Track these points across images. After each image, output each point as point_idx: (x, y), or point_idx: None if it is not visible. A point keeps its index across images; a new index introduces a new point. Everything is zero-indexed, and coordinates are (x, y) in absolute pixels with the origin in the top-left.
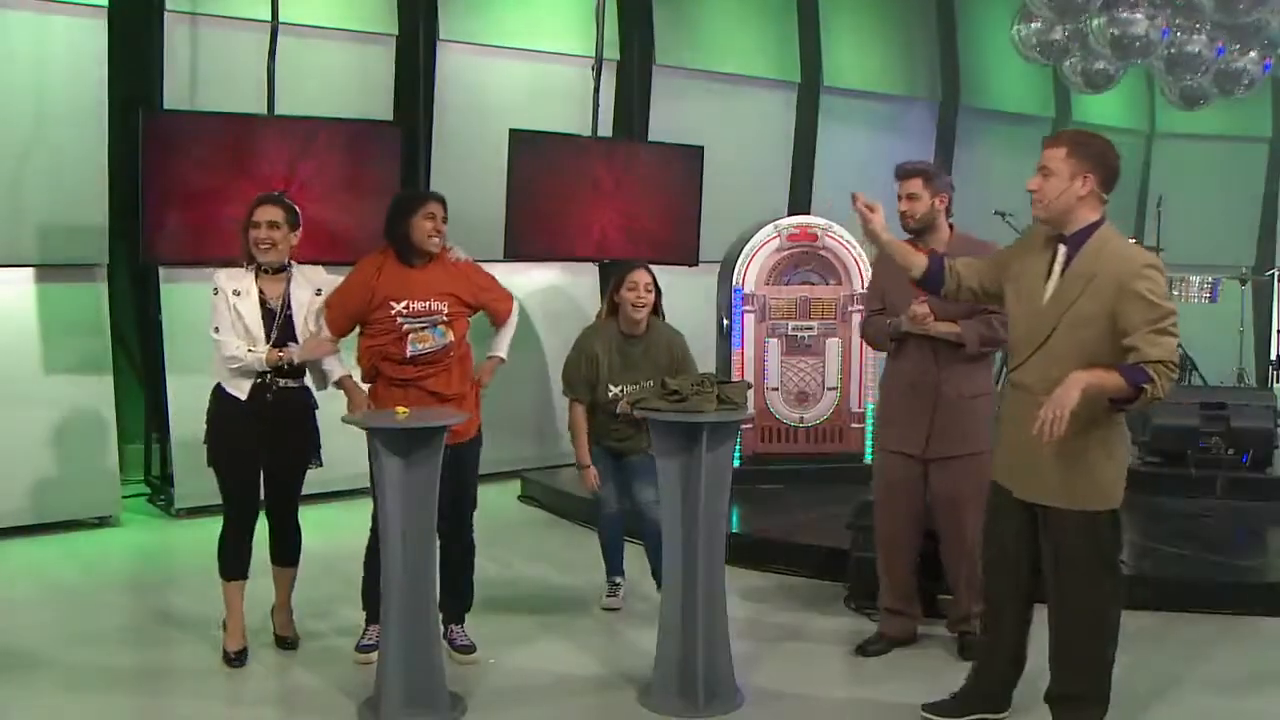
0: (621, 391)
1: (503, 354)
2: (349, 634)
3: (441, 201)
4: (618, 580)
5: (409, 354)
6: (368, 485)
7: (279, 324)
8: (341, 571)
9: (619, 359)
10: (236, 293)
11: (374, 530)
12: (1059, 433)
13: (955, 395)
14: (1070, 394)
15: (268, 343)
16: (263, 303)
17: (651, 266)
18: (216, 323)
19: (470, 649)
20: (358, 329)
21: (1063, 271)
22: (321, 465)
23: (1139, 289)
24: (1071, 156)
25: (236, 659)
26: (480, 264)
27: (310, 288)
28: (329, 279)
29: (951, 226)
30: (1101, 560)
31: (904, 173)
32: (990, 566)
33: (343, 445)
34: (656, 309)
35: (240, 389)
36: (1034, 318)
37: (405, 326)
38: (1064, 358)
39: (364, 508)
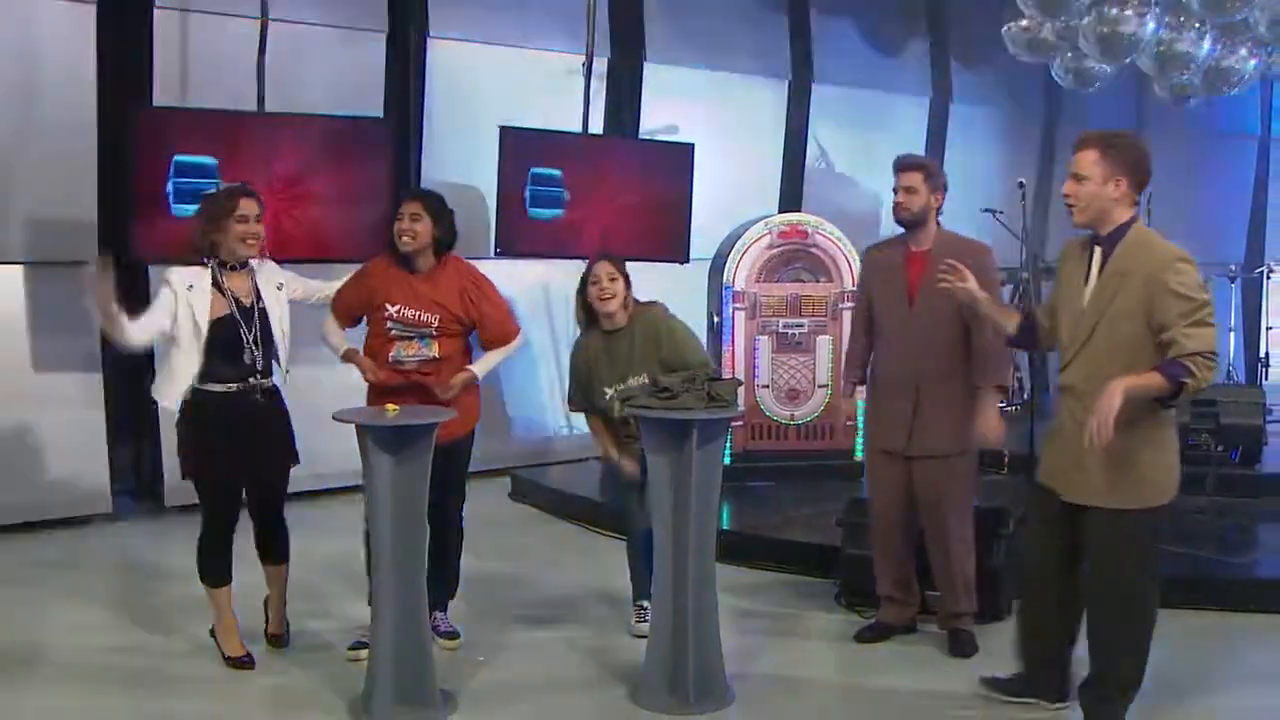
0: (616, 391)
1: (478, 372)
2: (340, 631)
3: (417, 198)
4: (645, 605)
5: (390, 359)
6: (361, 483)
7: (257, 320)
8: (335, 569)
9: (605, 359)
10: (190, 287)
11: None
12: (1106, 439)
13: (935, 396)
14: (1113, 400)
15: (250, 341)
16: (236, 300)
17: (616, 255)
18: (153, 307)
19: (454, 635)
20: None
21: (1100, 271)
22: (298, 464)
23: (1170, 284)
24: (1103, 160)
25: (245, 660)
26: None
27: (273, 284)
28: (286, 274)
29: (939, 224)
30: (1145, 560)
31: (905, 165)
32: (1039, 571)
33: (338, 443)
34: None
35: (180, 384)
36: (1076, 319)
37: (392, 332)
38: (1107, 355)
39: (360, 506)
